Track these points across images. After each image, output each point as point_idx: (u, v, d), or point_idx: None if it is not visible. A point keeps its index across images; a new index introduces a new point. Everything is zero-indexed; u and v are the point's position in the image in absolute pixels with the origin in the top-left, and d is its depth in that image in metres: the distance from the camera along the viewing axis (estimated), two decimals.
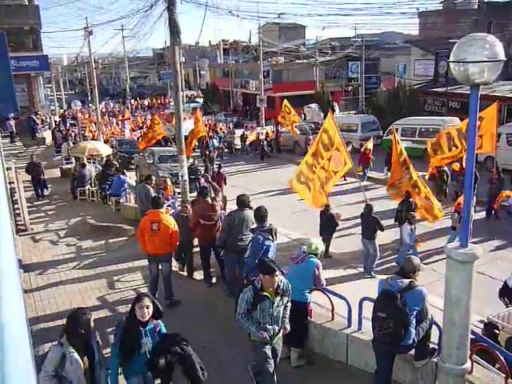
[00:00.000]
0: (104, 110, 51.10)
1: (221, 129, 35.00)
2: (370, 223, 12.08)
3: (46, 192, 19.63)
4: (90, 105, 49.16)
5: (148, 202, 11.88)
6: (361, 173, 21.39)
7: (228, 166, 26.58)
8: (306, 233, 14.57)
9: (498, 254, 13.22)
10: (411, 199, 13.74)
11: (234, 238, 8.59)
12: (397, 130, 26.01)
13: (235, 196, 9.37)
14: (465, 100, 24.21)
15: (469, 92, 4.73)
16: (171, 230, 8.73)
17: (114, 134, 34.05)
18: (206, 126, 35.75)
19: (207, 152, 24.03)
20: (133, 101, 59.48)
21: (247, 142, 31.27)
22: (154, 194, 13.22)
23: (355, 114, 36.87)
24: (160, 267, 8.94)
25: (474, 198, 15.48)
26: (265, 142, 30.02)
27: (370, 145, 22.26)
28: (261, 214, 7.90)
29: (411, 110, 30.15)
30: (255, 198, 16.11)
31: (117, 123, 40.43)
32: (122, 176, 17.28)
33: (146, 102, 59.51)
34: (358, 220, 14.97)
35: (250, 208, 8.76)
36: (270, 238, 7.78)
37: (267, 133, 31.95)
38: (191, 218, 10.07)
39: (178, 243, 9.14)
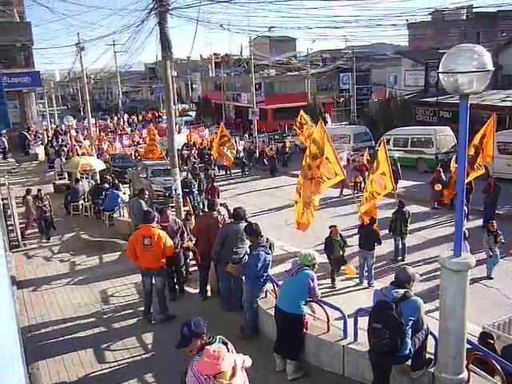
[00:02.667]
0: (98, 127, 51.03)
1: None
2: (370, 235, 12.12)
3: (52, 233, 16.03)
4: (84, 122, 49.03)
5: (140, 217, 11.85)
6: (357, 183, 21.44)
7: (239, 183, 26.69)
8: (300, 244, 14.56)
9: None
10: (405, 209, 13.79)
11: (229, 251, 8.55)
12: (389, 140, 26.28)
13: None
14: (456, 109, 24.39)
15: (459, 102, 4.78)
16: (164, 245, 8.62)
17: (107, 149, 34.06)
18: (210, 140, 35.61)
19: (208, 168, 24.01)
20: (122, 116, 59.01)
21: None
22: (146, 208, 13.20)
23: (347, 125, 37.06)
24: (154, 281, 8.88)
25: (465, 207, 15.56)
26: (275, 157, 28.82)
27: (365, 158, 22.34)
28: (256, 230, 7.90)
29: (403, 120, 30.35)
30: (250, 211, 16.09)
31: (114, 139, 40.31)
32: (115, 190, 17.24)
33: (125, 118, 58.40)
34: (353, 231, 15.03)
35: (247, 221, 8.75)
36: (270, 251, 7.88)
37: (284, 145, 31.21)
38: (193, 228, 10.14)
39: (171, 253, 9.02)
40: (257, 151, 32.33)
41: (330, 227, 12.68)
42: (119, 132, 46.15)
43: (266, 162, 29.44)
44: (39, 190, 16.40)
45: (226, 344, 4.33)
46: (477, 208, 16.53)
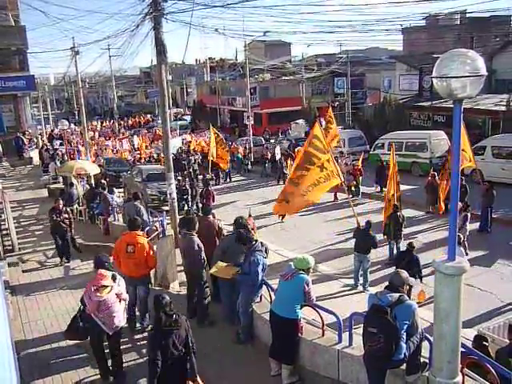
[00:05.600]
0: (96, 131, 51.10)
1: (238, 151, 32.62)
2: (366, 239, 12.12)
3: (71, 255, 13.65)
4: (75, 126, 49.03)
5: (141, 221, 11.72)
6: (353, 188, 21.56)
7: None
8: (295, 249, 14.58)
9: (489, 267, 13.29)
10: (399, 213, 13.84)
11: (229, 263, 8.31)
12: (383, 144, 26.37)
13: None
14: (450, 114, 24.38)
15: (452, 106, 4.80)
16: (146, 254, 8.44)
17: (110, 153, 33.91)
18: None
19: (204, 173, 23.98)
20: (117, 120, 59.04)
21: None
22: (145, 214, 13.14)
23: (342, 129, 37.17)
24: (137, 290, 8.67)
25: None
26: (284, 163, 26.58)
27: (359, 163, 22.48)
28: (246, 236, 7.86)
29: (397, 125, 30.45)
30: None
31: (113, 144, 40.08)
32: (109, 194, 17.16)
33: (109, 122, 58.18)
34: (348, 235, 15.05)
35: (249, 231, 8.62)
36: (266, 255, 7.86)
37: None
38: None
39: (154, 267, 8.84)
40: (268, 156, 30.17)
41: (410, 244, 11.57)
42: (120, 136, 46.06)
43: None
44: (57, 200, 13.89)
45: (115, 277, 6.87)
46: (473, 212, 16.57)
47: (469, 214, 14.09)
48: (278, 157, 27.77)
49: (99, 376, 7.19)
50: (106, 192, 16.56)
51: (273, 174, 28.32)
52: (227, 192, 25.19)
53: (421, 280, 11.03)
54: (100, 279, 6.69)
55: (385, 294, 5.51)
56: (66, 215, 13.81)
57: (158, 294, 6.00)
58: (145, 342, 8.34)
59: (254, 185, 27.08)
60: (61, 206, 13.69)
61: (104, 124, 59.70)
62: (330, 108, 21.12)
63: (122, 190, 23.12)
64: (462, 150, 15.53)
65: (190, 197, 20.19)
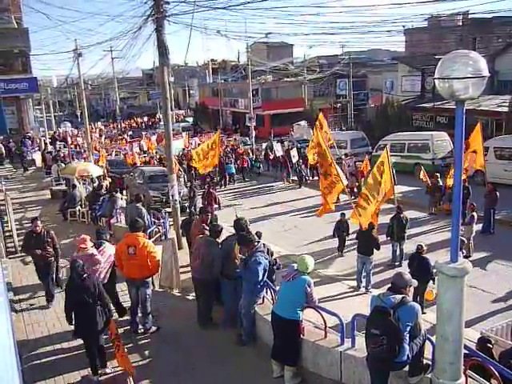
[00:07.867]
0: (101, 134, 51.12)
1: (248, 153, 31.74)
2: (369, 241, 12.09)
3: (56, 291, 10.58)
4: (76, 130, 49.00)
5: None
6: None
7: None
8: (297, 250, 14.56)
9: (491, 268, 13.25)
10: (402, 214, 13.80)
11: (229, 264, 8.29)
12: (385, 145, 26.31)
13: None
14: (452, 115, 24.40)
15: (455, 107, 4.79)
16: (148, 255, 8.39)
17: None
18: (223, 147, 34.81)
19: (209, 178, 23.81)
20: (120, 122, 59.12)
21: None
22: (146, 215, 13.13)
23: (344, 130, 37.14)
24: (139, 292, 8.61)
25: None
26: (302, 166, 26.07)
27: (363, 165, 22.41)
28: (252, 238, 7.85)
29: (399, 126, 30.43)
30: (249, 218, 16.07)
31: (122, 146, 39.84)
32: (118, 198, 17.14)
33: (99, 125, 58.19)
34: (350, 236, 15.01)
35: (248, 232, 8.58)
36: (268, 257, 7.88)
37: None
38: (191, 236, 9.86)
39: (156, 270, 8.81)
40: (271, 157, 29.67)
41: (420, 247, 11.10)
42: (126, 138, 46.06)
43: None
44: (34, 220, 10.63)
45: (95, 245, 8.86)
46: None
47: (475, 215, 14.10)
48: (294, 160, 26.66)
49: None
50: (117, 195, 16.59)
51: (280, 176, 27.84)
52: (234, 195, 25.17)
53: (433, 282, 10.52)
54: (81, 243, 8.62)
55: (388, 296, 5.49)
56: (50, 240, 10.50)
57: (74, 259, 7.57)
58: (147, 344, 8.38)
59: (264, 188, 26.66)
60: (38, 229, 10.40)
61: (98, 126, 59.82)
62: (321, 113, 19.88)
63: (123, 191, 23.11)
64: (474, 152, 15.57)
65: (188, 199, 20.21)
